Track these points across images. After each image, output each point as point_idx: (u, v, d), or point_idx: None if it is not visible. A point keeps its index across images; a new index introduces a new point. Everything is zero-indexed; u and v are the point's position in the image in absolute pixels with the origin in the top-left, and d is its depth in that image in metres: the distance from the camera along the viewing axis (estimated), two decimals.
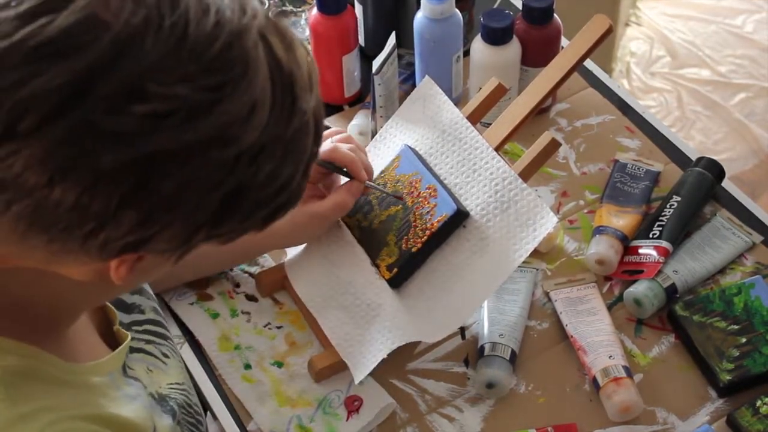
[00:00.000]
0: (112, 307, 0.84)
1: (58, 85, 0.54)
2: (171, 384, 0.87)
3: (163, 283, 1.13)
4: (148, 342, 0.88)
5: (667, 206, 1.19)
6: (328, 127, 1.14)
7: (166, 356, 0.90)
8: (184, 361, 1.07)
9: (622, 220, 1.19)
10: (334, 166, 1.06)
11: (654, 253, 1.15)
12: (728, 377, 1.05)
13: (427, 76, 1.16)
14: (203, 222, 0.60)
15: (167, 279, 1.12)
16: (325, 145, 1.05)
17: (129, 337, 0.82)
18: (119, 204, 0.57)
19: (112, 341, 0.83)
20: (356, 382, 1.03)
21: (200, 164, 0.57)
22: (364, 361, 1.04)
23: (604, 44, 1.10)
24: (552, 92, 1.10)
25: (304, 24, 1.49)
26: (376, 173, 1.14)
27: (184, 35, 0.55)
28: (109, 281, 0.65)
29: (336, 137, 1.09)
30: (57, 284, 0.68)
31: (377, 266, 1.09)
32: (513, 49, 1.28)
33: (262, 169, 0.60)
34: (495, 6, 1.50)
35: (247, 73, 0.57)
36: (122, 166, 0.55)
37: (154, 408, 0.80)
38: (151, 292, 0.94)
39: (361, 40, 1.41)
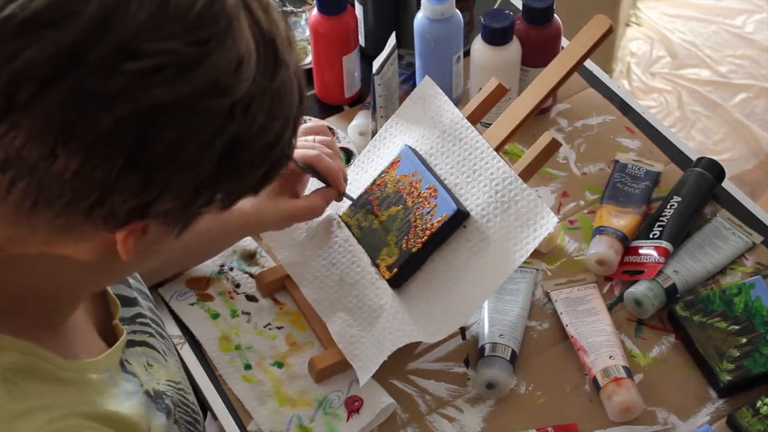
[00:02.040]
0: (117, 301, 0.84)
1: (49, 55, 0.56)
2: (169, 381, 0.87)
3: (151, 273, 1.12)
4: (151, 335, 0.88)
5: (668, 206, 1.19)
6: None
7: (166, 353, 0.90)
8: (182, 360, 1.07)
9: (623, 220, 1.19)
10: (315, 172, 1.07)
11: (654, 253, 1.15)
12: (728, 377, 1.05)
13: (427, 76, 1.16)
14: (204, 178, 0.62)
15: (155, 269, 1.11)
16: (309, 151, 1.07)
17: (125, 333, 0.82)
18: (122, 165, 0.58)
19: (110, 336, 0.82)
20: (360, 384, 1.03)
21: (196, 115, 0.59)
22: (368, 364, 1.04)
23: (604, 44, 1.10)
24: (552, 92, 1.10)
25: (304, 24, 1.49)
26: (376, 173, 1.14)
27: None
28: (115, 258, 0.65)
29: (318, 138, 1.10)
30: (58, 269, 0.68)
31: (377, 266, 1.09)
32: (513, 49, 1.28)
33: (256, 121, 0.62)
34: (495, 6, 1.51)
35: (232, 28, 0.60)
36: (121, 124, 0.57)
37: (149, 406, 0.80)
38: (147, 292, 0.94)
39: (362, 41, 1.41)
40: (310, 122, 1.14)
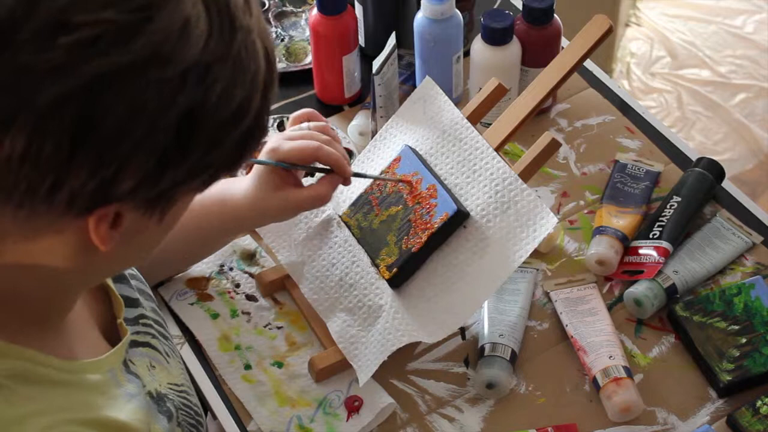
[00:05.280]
0: (121, 301, 0.84)
1: None
2: (171, 384, 0.87)
3: (151, 270, 1.09)
4: (153, 336, 0.88)
5: (668, 207, 1.19)
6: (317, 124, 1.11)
7: (168, 355, 0.90)
8: (184, 361, 1.07)
9: (623, 220, 1.19)
10: (319, 168, 1.04)
11: (654, 253, 1.15)
12: (728, 377, 1.05)
13: (427, 76, 1.16)
14: (165, 151, 0.60)
15: (155, 266, 1.05)
16: (307, 143, 1.03)
17: (129, 333, 0.81)
18: (72, 143, 0.56)
19: (114, 336, 0.82)
20: (360, 384, 1.03)
21: (142, 85, 0.57)
22: (368, 363, 1.04)
23: (604, 44, 1.10)
24: (552, 92, 1.10)
25: (304, 24, 1.49)
26: (376, 173, 1.14)
27: None
28: (94, 252, 0.64)
29: (312, 125, 1.06)
30: (44, 274, 0.67)
31: (377, 266, 1.09)
32: (513, 49, 1.28)
33: (213, 89, 0.60)
34: (495, 6, 1.51)
35: None
36: (62, 99, 0.55)
37: (151, 408, 0.79)
38: (150, 292, 0.94)
39: (362, 41, 1.41)
40: (299, 111, 1.11)
